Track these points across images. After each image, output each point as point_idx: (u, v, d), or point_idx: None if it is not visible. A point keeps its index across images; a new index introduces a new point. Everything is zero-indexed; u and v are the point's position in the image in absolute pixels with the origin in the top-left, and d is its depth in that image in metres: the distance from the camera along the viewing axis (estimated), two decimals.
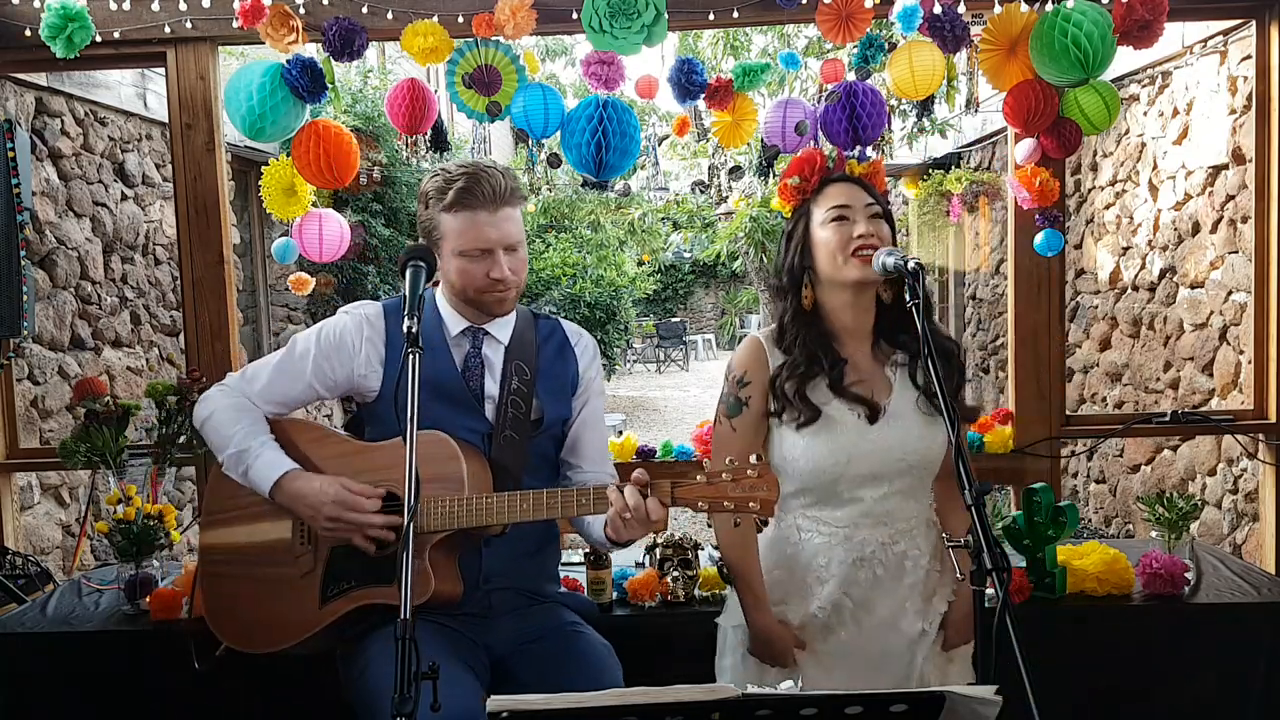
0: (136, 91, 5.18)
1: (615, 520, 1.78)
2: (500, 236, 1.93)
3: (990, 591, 1.48)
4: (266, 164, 2.84)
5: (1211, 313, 4.70)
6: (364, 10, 2.73)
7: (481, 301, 1.98)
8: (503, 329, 2.06)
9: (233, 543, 2.05)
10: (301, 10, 2.67)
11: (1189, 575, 2.47)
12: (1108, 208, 5.85)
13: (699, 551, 2.52)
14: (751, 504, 1.68)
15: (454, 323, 2.03)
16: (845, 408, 1.91)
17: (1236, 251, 4.44)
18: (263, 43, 2.70)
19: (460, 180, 1.92)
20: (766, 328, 2.08)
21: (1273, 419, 3.06)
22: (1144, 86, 5.29)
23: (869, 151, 2.23)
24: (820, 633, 1.96)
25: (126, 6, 2.74)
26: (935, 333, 1.95)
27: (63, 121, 4.60)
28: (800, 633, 1.96)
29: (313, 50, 2.75)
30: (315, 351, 2.03)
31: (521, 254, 2.01)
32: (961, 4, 2.60)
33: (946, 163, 8.53)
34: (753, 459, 1.71)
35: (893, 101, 3.28)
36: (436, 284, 2.07)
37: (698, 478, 1.72)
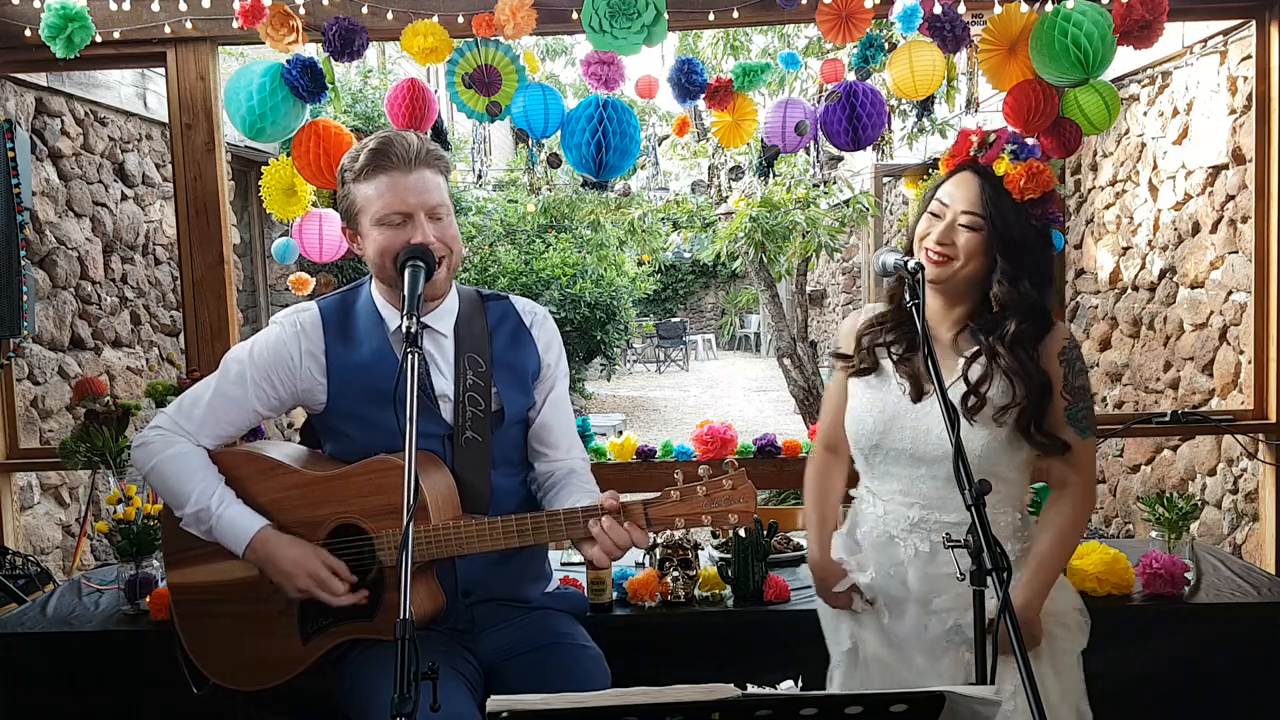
0: (136, 91, 5.17)
1: (599, 556, 1.71)
2: (419, 200, 1.78)
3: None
4: (266, 164, 2.84)
5: (1211, 313, 4.70)
6: (364, 10, 2.73)
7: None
8: (443, 319, 1.91)
9: (202, 581, 1.95)
10: (301, 10, 2.67)
11: (1189, 575, 2.47)
12: (1108, 208, 5.84)
13: (699, 551, 2.52)
14: (731, 516, 1.64)
15: (392, 319, 1.88)
16: (897, 377, 1.90)
17: (1236, 251, 4.43)
18: (263, 43, 2.70)
19: (371, 143, 1.80)
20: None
21: (1273, 419, 3.06)
22: (1144, 86, 5.28)
23: (1034, 148, 1.89)
24: (874, 605, 1.95)
25: (126, 6, 2.74)
26: (1026, 367, 1.79)
27: (63, 121, 4.60)
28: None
29: (313, 50, 2.75)
30: (251, 373, 1.89)
31: (448, 223, 1.84)
32: (961, 4, 2.60)
33: None
34: (727, 466, 1.66)
35: (893, 101, 3.28)
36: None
37: (671, 494, 1.67)
